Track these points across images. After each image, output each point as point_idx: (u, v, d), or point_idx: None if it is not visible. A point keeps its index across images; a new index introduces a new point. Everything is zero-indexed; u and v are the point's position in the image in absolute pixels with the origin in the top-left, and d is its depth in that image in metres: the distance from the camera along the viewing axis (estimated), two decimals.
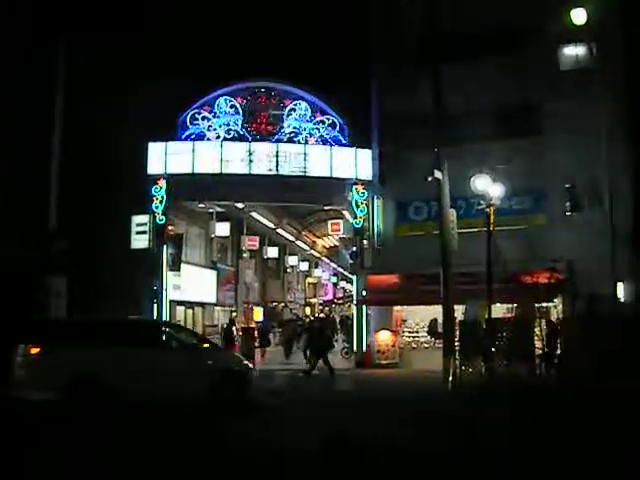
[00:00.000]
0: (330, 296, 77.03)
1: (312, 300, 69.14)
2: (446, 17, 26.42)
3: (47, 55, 26.26)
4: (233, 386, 17.71)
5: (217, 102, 30.62)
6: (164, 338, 19.17)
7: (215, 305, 37.55)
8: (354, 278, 31.75)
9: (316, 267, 65.24)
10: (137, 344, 17.49)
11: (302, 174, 29.88)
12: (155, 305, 29.34)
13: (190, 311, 34.94)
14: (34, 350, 17.02)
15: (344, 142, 30.77)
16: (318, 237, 58.95)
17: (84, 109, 26.83)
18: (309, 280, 66.50)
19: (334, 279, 74.73)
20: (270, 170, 29.78)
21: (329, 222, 35.88)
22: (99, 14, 28.18)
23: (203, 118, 30.49)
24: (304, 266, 57.33)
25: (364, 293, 30.34)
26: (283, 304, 54.61)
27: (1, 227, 23.99)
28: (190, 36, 30.47)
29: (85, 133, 26.97)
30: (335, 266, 71.14)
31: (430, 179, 22.90)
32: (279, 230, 44.47)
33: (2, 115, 24.13)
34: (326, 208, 33.87)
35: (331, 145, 30.59)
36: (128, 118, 27.52)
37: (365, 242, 30.32)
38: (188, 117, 30.39)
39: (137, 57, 28.25)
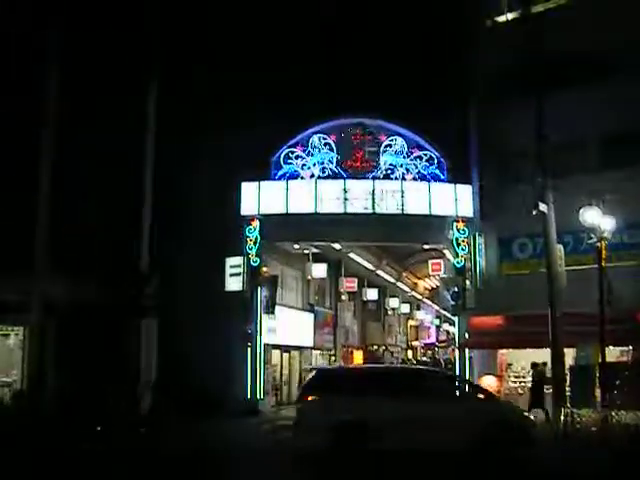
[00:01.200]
0: (433, 339, 75.20)
1: (414, 343, 67.51)
2: (547, 44, 25.31)
3: (137, 91, 26.12)
4: (506, 440, 16.64)
5: (311, 140, 29.94)
6: (433, 386, 18.64)
7: (312, 349, 36.53)
8: (456, 320, 30.24)
9: (418, 309, 63.80)
10: (405, 392, 17.39)
11: (400, 212, 28.77)
12: (249, 349, 28.61)
13: (286, 355, 34.04)
14: (309, 397, 17.88)
15: (442, 178, 29.63)
16: (419, 278, 57.63)
17: (174, 148, 26.60)
18: (411, 323, 64.94)
19: (437, 321, 72.96)
20: (366, 208, 28.78)
21: (429, 262, 34.51)
22: (188, 51, 28.02)
23: (297, 157, 29.84)
24: (405, 308, 55.97)
25: (466, 335, 28.87)
26: (384, 347, 53.22)
27: (92, 269, 23.77)
28: (278, 76, 29.85)
29: (176, 173, 26.71)
30: (437, 308, 69.47)
31: (535, 212, 21.46)
32: (379, 272, 43.33)
33: (96, 152, 24.02)
34: (426, 247, 32.58)
35: (429, 181, 29.47)
36: (220, 158, 27.21)
37: (467, 282, 28.86)
38: (282, 156, 29.79)
39: (228, 97, 27.88)
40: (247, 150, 27.52)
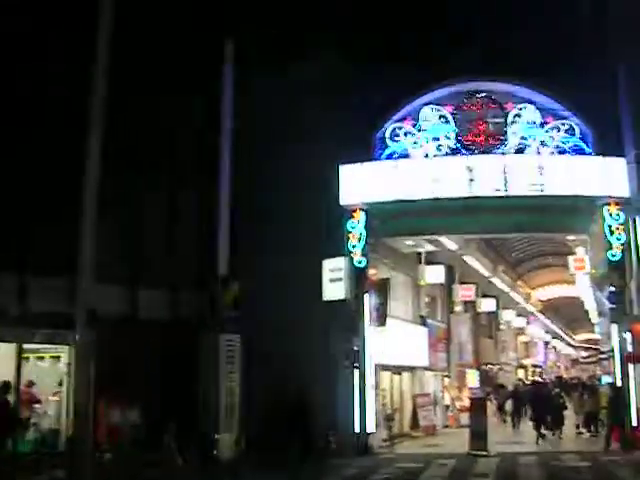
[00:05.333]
0: (542, 357, 69.30)
1: (525, 361, 61.54)
2: None
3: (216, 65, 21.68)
4: None
5: (421, 112, 24.60)
6: None
7: (426, 369, 30.70)
8: (615, 328, 23.98)
9: (528, 323, 57.85)
10: None
11: (539, 194, 23.01)
12: (356, 370, 23.07)
13: (397, 377, 28.34)
14: None
15: (587, 150, 23.83)
16: (532, 288, 51.97)
17: (260, 125, 21.71)
18: (520, 338, 58.92)
19: (547, 337, 67.25)
20: (497, 190, 23.09)
21: (570, 258, 28.55)
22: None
23: (405, 133, 24.52)
24: (521, 322, 49.91)
25: (629, 348, 22.76)
26: (498, 366, 47.19)
27: (164, 277, 19.06)
28: (382, 39, 24.57)
29: (258, 156, 21.81)
30: (548, 322, 63.64)
31: None
32: (494, 279, 37.52)
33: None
34: (570, 238, 26.49)
35: (571, 155, 23.73)
36: (312, 136, 21.94)
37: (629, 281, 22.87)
38: (387, 133, 24.49)
39: (322, 65, 22.74)
40: (345, 126, 22.38)
